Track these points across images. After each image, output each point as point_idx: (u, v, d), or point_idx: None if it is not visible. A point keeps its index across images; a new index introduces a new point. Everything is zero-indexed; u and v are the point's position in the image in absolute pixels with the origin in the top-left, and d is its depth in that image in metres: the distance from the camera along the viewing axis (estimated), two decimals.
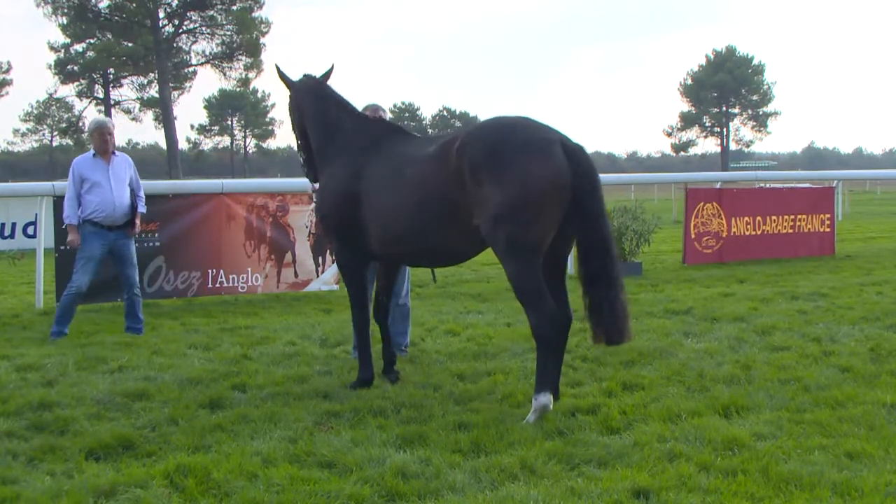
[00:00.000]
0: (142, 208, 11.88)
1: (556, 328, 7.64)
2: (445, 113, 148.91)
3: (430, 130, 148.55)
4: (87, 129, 12.67)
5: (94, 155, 11.57)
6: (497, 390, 8.36)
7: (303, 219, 15.27)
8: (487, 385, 8.61)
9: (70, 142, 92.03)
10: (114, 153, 11.64)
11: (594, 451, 6.58)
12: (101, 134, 11.60)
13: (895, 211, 41.61)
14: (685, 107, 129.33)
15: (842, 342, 10.33)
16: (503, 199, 7.39)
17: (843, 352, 9.79)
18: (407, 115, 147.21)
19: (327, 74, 9.39)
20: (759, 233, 19.64)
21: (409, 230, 8.14)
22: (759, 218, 19.65)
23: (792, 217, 20.20)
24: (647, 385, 8.50)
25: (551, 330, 7.53)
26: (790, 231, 20.17)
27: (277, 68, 9.32)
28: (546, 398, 7.43)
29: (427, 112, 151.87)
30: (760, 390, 8.21)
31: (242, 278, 14.79)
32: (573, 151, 7.60)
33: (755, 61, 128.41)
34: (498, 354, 9.95)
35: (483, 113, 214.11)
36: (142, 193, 11.96)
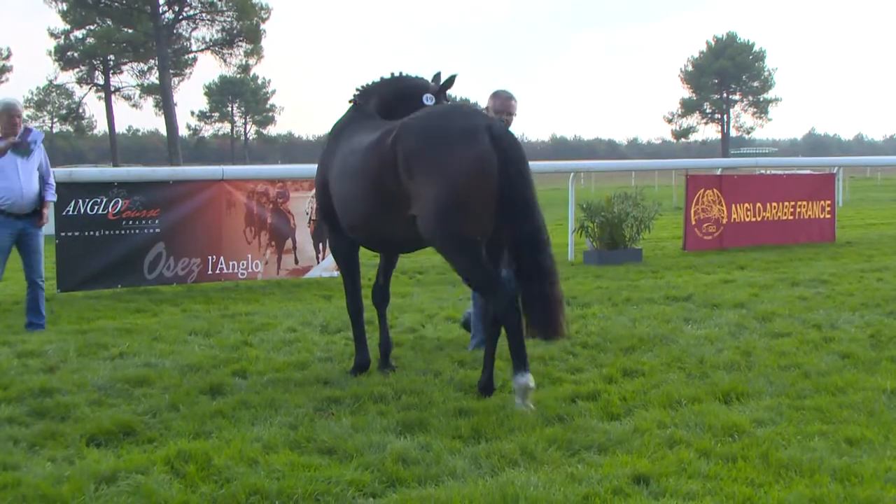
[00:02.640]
0: (51, 197, 11.35)
1: (515, 307, 7.39)
2: (446, 100, 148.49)
3: None
4: None
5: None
6: (497, 377, 8.35)
7: (303, 205, 15.29)
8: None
9: (70, 128, 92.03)
10: (26, 135, 11.00)
11: (594, 438, 6.58)
12: (10, 116, 10.95)
13: None
14: (686, 93, 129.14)
15: (842, 328, 10.32)
16: (432, 195, 7.26)
17: (843, 338, 9.78)
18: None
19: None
20: (759, 219, 19.65)
21: (362, 219, 8.09)
22: (759, 204, 19.66)
23: (792, 204, 20.21)
24: (647, 371, 8.50)
25: (513, 312, 7.36)
26: (791, 218, 20.19)
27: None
28: (525, 378, 7.34)
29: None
30: (760, 376, 8.21)
31: (243, 265, 14.80)
32: (499, 138, 7.33)
33: (756, 48, 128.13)
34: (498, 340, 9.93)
35: (479, 99, 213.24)
36: (51, 180, 11.38)
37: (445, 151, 7.27)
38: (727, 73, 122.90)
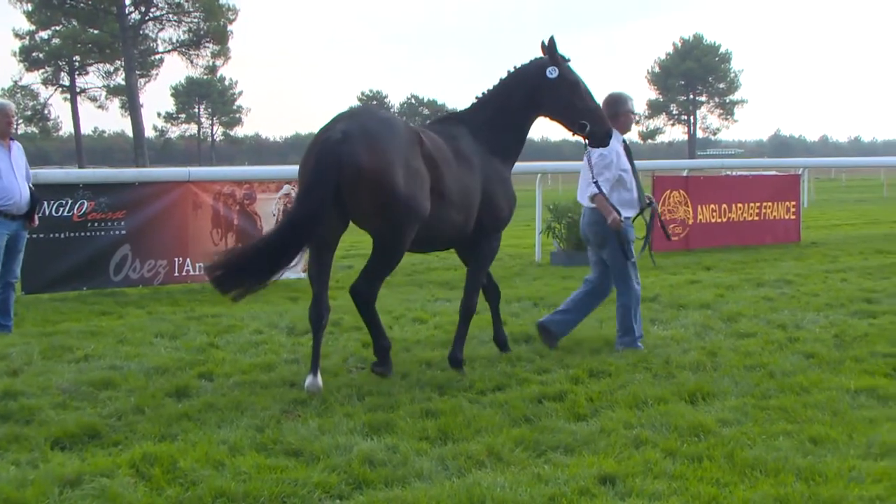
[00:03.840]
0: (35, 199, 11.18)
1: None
2: (413, 101, 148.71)
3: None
4: None
5: None
6: (464, 378, 8.37)
7: (270, 206, 15.24)
8: (455, 372, 8.61)
9: (35, 130, 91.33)
10: (11, 139, 10.97)
11: (561, 438, 6.61)
12: (6, 116, 10.81)
13: (860, 198, 41.89)
14: (653, 95, 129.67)
15: (807, 329, 10.41)
16: None
17: (807, 338, 9.86)
18: (375, 102, 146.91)
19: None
20: (725, 220, 19.74)
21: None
22: (725, 205, 19.76)
23: (758, 204, 20.32)
24: (613, 372, 8.53)
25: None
26: (756, 218, 20.29)
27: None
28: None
29: (395, 100, 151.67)
30: (726, 377, 8.26)
31: None
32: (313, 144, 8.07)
33: (722, 50, 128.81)
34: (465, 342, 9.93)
35: (451, 101, 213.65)
36: (30, 184, 11.21)
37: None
38: (693, 74, 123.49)
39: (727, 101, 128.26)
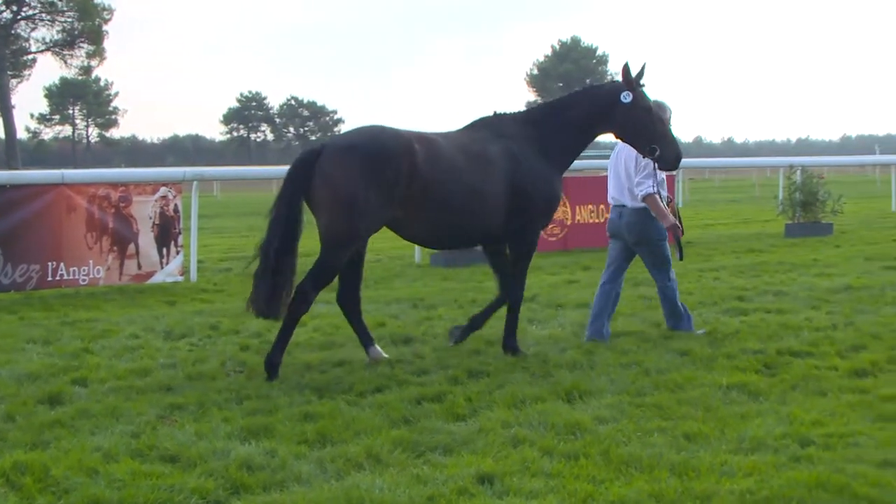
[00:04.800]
0: None
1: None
2: (293, 102, 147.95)
3: (277, 120, 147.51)
4: None
5: None
6: (344, 380, 8.35)
7: (146, 209, 14.99)
8: (334, 375, 8.60)
9: None
10: None
11: (440, 439, 6.64)
12: None
13: (733, 198, 42.75)
14: (531, 96, 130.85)
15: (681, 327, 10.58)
16: None
17: (682, 336, 10.04)
18: (254, 104, 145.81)
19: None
20: (602, 220, 19.90)
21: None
22: (602, 206, 19.94)
23: None
24: (492, 372, 8.59)
25: None
26: None
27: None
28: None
29: (274, 101, 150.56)
30: (602, 375, 8.38)
31: (84, 270, 14.43)
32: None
33: (599, 52, 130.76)
34: (345, 344, 9.92)
35: (332, 103, 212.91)
36: None
37: None
38: (571, 76, 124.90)
39: None
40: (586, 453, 6.28)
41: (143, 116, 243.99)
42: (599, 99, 9.62)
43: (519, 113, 9.82)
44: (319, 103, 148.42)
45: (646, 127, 9.40)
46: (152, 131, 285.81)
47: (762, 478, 5.81)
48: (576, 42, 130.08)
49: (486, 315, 9.86)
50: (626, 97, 9.35)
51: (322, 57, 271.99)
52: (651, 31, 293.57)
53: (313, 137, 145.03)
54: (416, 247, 18.23)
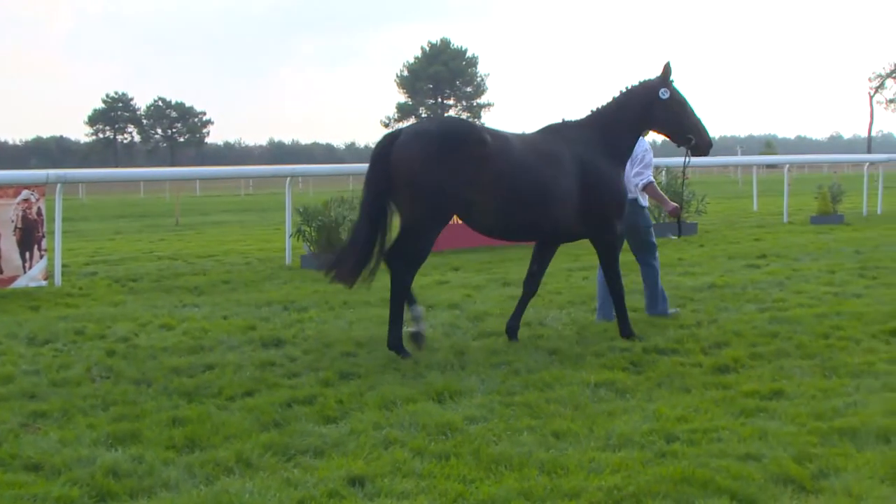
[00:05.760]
0: None
1: None
2: (161, 103, 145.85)
3: (144, 121, 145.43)
4: None
5: None
6: (213, 384, 8.26)
7: (8, 212, 14.61)
8: (203, 379, 8.49)
9: None
10: None
11: (310, 441, 6.61)
12: None
13: None
14: (402, 98, 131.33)
15: (550, 326, 10.73)
16: None
17: (551, 335, 10.17)
18: (120, 105, 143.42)
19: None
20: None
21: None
22: None
23: None
24: (363, 374, 8.59)
25: None
26: None
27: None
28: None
29: (142, 102, 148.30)
30: (473, 375, 8.43)
31: None
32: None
33: (469, 54, 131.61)
34: (214, 348, 9.83)
35: (201, 104, 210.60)
36: None
37: None
38: (441, 77, 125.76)
39: (474, 104, 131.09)
40: (457, 453, 6.31)
41: (3, 117, 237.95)
42: (643, 98, 10.17)
43: (582, 119, 10.24)
44: (188, 104, 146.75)
45: (682, 120, 10.21)
46: (14, 133, 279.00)
47: (629, 474, 5.90)
48: (446, 43, 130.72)
49: (517, 316, 10.22)
50: (665, 94, 10.11)
51: (190, 58, 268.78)
52: (520, 32, 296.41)
53: (181, 139, 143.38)
54: (287, 249, 18.11)
